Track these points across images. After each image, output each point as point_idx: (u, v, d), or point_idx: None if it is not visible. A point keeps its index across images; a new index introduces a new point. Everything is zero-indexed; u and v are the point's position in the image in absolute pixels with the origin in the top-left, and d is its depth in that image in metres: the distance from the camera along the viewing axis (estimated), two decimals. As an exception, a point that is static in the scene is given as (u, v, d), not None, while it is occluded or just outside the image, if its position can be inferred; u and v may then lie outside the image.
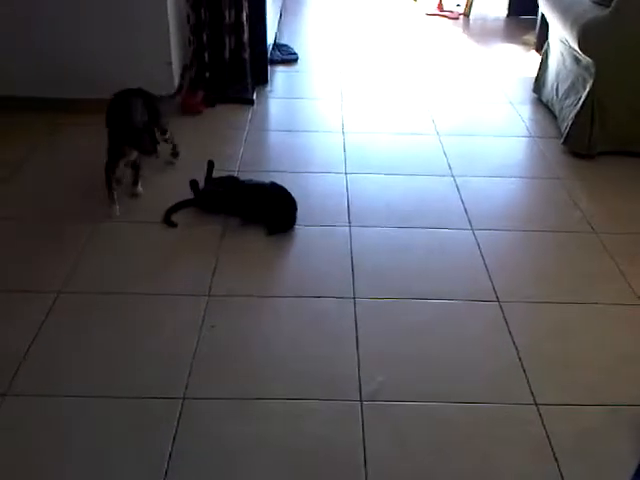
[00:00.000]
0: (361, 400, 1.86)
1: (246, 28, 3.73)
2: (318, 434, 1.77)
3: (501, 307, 2.24)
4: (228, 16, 3.68)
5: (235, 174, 2.97)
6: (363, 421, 1.80)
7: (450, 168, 3.15)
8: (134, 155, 2.63)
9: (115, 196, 2.63)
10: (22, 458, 1.67)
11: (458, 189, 2.97)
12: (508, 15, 5.71)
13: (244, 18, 3.70)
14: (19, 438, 1.72)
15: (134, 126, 2.56)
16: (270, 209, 2.62)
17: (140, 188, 2.76)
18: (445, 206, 2.85)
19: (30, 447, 1.69)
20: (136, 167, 2.72)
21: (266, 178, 2.90)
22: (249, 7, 3.73)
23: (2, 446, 1.69)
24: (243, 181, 2.78)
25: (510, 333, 2.13)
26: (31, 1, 3.27)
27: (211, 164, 2.88)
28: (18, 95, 3.44)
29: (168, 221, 2.62)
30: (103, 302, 2.20)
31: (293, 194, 2.68)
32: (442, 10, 5.76)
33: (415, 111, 3.80)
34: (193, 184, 2.74)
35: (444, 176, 3.09)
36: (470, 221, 2.72)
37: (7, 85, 3.43)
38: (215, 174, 2.88)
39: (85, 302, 2.20)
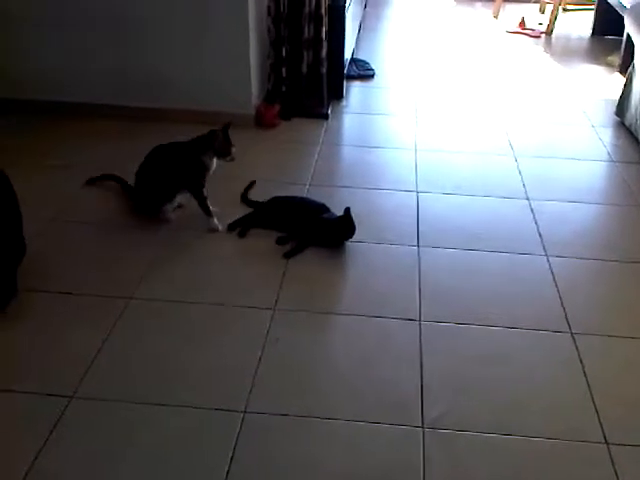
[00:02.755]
0: (423, 427, 1.82)
1: (324, 43, 3.75)
2: (376, 459, 1.74)
3: (573, 338, 2.16)
4: (307, 31, 3.71)
5: (306, 188, 2.99)
6: (424, 448, 1.76)
7: (525, 190, 3.07)
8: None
9: (212, 211, 2.66)
10: (82, 461, 1.70)
11: (533, 213, 2.89)
12: (592, 34, 5.56)
13: (323, 34, 3.73)
14: (81, 441, 1.75)
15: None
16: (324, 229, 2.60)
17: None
18: (518, 230, 2.77)
19: (91, 451, 1.73)
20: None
21: (336, 193, 2.91)
22: (329, 23, 3.75)
23: (64, 447, 1.73)
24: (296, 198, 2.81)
25: (582, 366, 2.05)
26: (119, 19, 3.41)
27: (251, 184, 2.94)
28: (109, 103, 3.59)
29: (236, 228, 2.66)
30: (171, 310, 2.24)
31: (362, 211, 2.67)
32: (524, 28, 5.66)
33: (491, 130, 3.73)
34: (244, 197, 2.85)
35: (518, 198, 3.01)
36: (544, 247, 2.64)
37: (101, 93, 3.60)
38: (286, 188, 2.91)
39: (154, 309, 2.24)
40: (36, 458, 1.68)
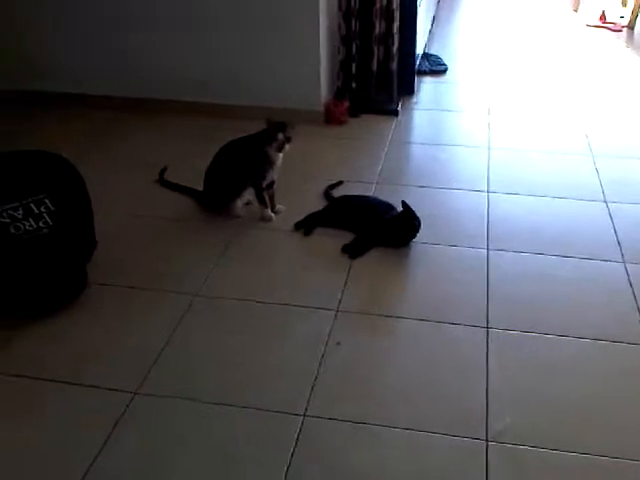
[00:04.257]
0: (487, 440, 1.76)
1: (396, 39, 3.69)
2: (437, 470, 1.69)
3: (651, 352, 2.05)
4: (378, 27, 3.66)
5: (373, 187, 2.95)
6: (487, 462, 1.69)
7: (603, 193, 2.93)
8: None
9: (267, 202, 2.69)
10: (143, 458, 1.72)
11: (611, 216, 2.76)
12: (679, 27, 5.28)
13: (394, 29, 3.66)
14: (142, 438, 1.77)
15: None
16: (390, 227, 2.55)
17: (272, 211, 2.75)
18: (595, 234, 2.65)
19: (151, 449, 1.74)
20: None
21: (404, 192, 2.86)
22: (400, 17, 3.69)
23: (126, 444, 1.75)
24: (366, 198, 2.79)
25: (660, 383, 1.94)
26: (189, 17, 3.45)
27: (338, 183, 2.92)
28: (177, 99, 3.64)
29: (302, 228, 2.65)
30: (235, 308, 2.25)
31: (430, 211, 2.61)
32: (604, 21, 5.43)
33: (568, 129, 3.59)
34: (327, 194, 2.82)
35: (596, 201, 2.88)
36: (622, 253, 2.52)
37: (173, 90, 3.65)
38: (352, 186, 2.88)
39: (218, 307, 2.25)
40: (99, 453, 1.71)
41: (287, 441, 1.75)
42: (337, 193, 2.87)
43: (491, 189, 2.97)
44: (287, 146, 2.58)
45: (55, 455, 1.72)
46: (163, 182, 2.94)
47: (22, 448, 1.74)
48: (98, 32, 3.57)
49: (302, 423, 1.81)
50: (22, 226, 2.13)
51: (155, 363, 2.00)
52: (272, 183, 2.71)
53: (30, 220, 2.15)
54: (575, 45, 5.01)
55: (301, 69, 3.49)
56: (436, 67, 4.40)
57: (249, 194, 2.73)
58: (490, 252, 2.53)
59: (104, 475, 1.67)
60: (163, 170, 2.98)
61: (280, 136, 2.54)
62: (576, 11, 5.78)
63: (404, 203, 2.49)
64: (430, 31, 4.87)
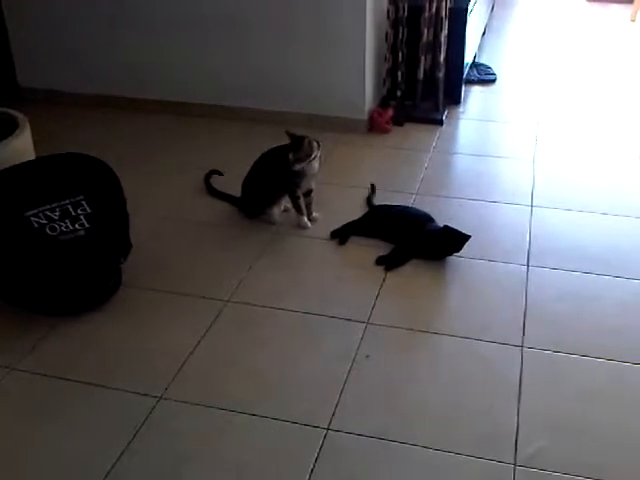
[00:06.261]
0: (515, 464, 1.69)
1: (443, 47, 3.63)
2: (462, 493, 1.64)
3: (697, 381, 1.95)
4: (427, 35, 3.61)
5: (412, 197, 2.90)
6: (514, 488, 1.63)
7: (660, 211, 2.82)
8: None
9: (304, 210, 2.68)
10: (163, 464, 1.71)
11: (660, 236, 2.65)
12: None
13: (442, 37, 3.61)
14: (164, 443, 1.76)
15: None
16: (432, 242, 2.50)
17: (308, 219, 2.73)
18: (642, 254, 2.55)
19: (173, 454, 1.73)
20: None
21: (444, 204, 2.81)
22: (449, 26, 3.63)
23: (147, 448, 1.75)
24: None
25: None
26: (235, 22, 3.46)
27: (373, 188, 2.89)
28: (221, 104, 3.65)
29: (338, 236, 2.62)
30: (265, 316, 2.23)
31: (470, 224, 2.55)
32: (666, 32, 5.24)
33: (619, 145, 3.46)
34: (369, 200, 2.80)
35: (645, 219, 2.77)
36: (677, 277, 2.41)
37: (217, 95, 3.67)
38: (391, 196, 2.83)
39: (249, 314, 2.24)
40: (120, 456, 1.71)
41: (309, 455, 1.72)
42: (376, 201, 2.83)
43: (534, 203, 2.88)
44: (304, 163, 2.53)
45: (77, 456, 1.73)
46: (210, 188, 2.94)
47: (45, 447, 1.75)
48: (145, 35, 3.62)
49: (325, 437, 1.77)
50: (58, 227, 2.16)
51: (181, 369, 1.99)
52: (310, 191, 2.69)
53: (66, 222, 2.18)
54: (632, 57, 4.85)
55: (346, 76, 3.46)
56: (485, 77, 4.32)
57: (286, 201, 2.72)
58: (530, 268, 2.45)
59: (124, 478, 1.66)
60: (209, 175, 2.98)
61: (290, 156, 2.51)
62: (634, 21, 5.60)
63: (446, 227, 2.45)
64: (481, 40, 4.78)
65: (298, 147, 2.51)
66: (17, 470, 1.70)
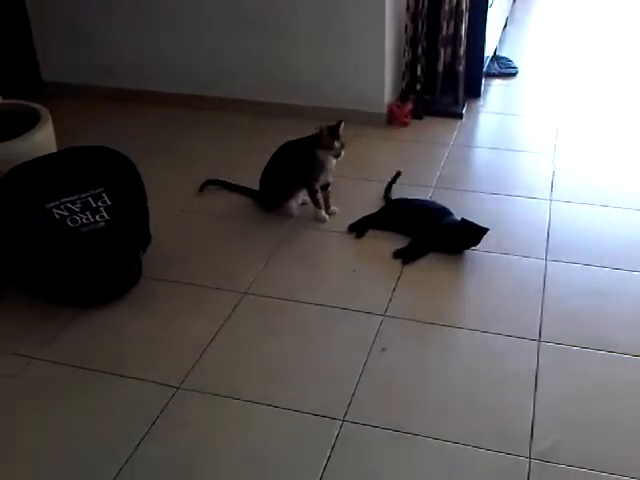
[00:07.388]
0: (530, 457, 1.69)
1: (463, 41, 3.61)
2: (476, 486, 1.64)
3: None
4: (446, 28, 3.59)
5: (430, 191, 2.89)
6: (528, 481, 1.64)
7: (683, 206, 2.79)
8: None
9: (321, 204, 2.69)
10: (180, 453, 1.73)
11: (682, 230, 2.62)
12: None
13: (463, 30, 3.59)
14: (181, 433, 1.79)
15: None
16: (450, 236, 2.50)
17: (327, 212, 2.74)
18: (663, 248, 2.52)
19: (190, 444, 1.76)
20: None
21: (462, 198, 2.80)
22: (470, 19, 3.61)
23: (165, 438, 1.77)
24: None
25: None
26: (251, 16, 3.47)
27: (397, 175, 2.89)
28: (239, 98, 3.67)
29: (356, 230, 2.62)
30: (282, 308, 2.25)
31: (488, 218, 2.54)
32: (691, 24, 5.16)
33: (641, 138, 3.43)
34: (386, 193, 2.82)
35: (666, 214, 2.74)
36: (693, 271, 2.39)
37: (233, 88, 3.68)
38: (410, 190, 2.83)
39: (266, 306, 2.26)
40: (138, 444, 1.74)
41: (324, 446, 1.74)
42: (394, 194, 2.83)
43: (554, 197, 2.86)
44: (343, 152, 2.56)
45: (95, 444, 1.76)
46: (227, 184, 2.95)
47: (64, 434, 1.79)
48: (162, 31, 3.64)
49: (340, 428, 1.79)
50: (79, 219, 2.19)
51: (199, 360, 2.02)
52: (327, 185, 2.69)
53: (87, 213, 2.21)
54: (656, 49, 4.79)
55: (365, 70, 3.46)
56: (506, 70, 4.29)
57: (304, 195, 2.73)
58: (548, 262, 2.44)
59: (142, 467, 1.69)
60: (205, 184, 2.97)
61: (336, 144, 2.52)
62: (660, 14, 5.52)
63: (464, 220, 2.45)
64: (503, 33, 4.74)
65: (336, 133, 2.53)
66: (38, 457, 1.73)
